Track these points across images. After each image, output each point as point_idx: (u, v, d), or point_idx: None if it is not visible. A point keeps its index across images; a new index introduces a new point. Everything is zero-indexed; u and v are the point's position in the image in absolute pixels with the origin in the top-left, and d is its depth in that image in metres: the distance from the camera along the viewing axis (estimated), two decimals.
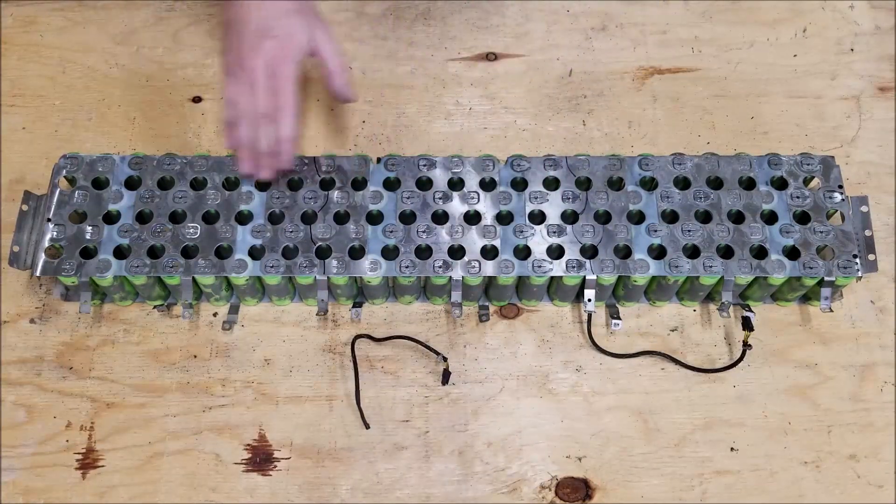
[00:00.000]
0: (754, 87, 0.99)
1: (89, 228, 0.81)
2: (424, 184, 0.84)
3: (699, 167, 0.85)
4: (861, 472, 0.79)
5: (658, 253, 0.81)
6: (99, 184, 0.84)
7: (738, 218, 0.83)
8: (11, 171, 0.92)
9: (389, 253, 0.81)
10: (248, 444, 0.80)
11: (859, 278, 0.81)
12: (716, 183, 0.85)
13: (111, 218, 0.82)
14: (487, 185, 0.85)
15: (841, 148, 0.95)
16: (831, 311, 0.83)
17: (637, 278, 0.80)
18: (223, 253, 0.81)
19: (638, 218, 0.83)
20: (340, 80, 0.82)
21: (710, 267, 0.80)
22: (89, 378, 0.82)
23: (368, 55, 1.01)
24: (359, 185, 0.84)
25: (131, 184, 0.84)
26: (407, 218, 0.83)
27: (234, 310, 0.85)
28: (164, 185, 0.84)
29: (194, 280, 0.81)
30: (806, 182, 0.85)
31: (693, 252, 0.81)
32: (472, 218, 0.83)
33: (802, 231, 0.82)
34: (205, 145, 0.94)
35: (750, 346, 0.82)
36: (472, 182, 0.84)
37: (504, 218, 0.82)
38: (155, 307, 0.85)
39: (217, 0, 0.80)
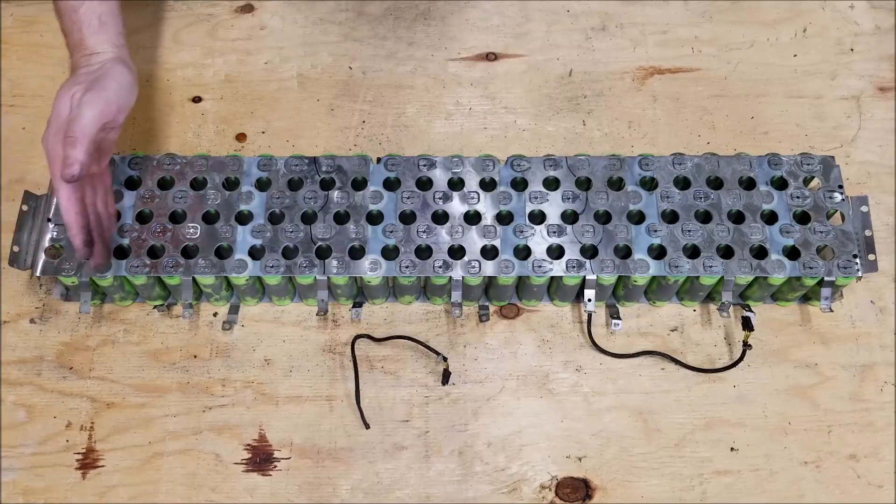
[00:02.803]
0: (754, 87, 0.99)
1: None
2: (424, 184, 0.84)
3: (699, 167, 0.85)
4: (861, 472, 0.79)
5: (658, 253, 0.81)
6: None
7: (738, 218, 0.83)
8: (11, 171, 0.92)
9: (389, 253, 0.81)
10: (248, 444, 0.80)
11: (859, 278, 0.81)
12: (716, 183, 0.85)
13: None
14: (487, 185, 0.85)
15: (841, 148, 0.95)
16: (831, 311, 0.83)
17: (637, 278, 0.80)
18: (223, 253, 0.81)
19: (638, 218, 0.83)
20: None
21: (710, 267, 0.80)
22: (89, 378, 0.82)
23: (368, 55, 1.01)
24: (359, 185, 0.84)
25: (131, 184, 0.84)
26: (407, 218, 0.83)
27: (234, 310, 0.85)
28: (164, 185, 0.84)
29: (194, 280, 0.81)
30: (806, 182, 0.85)
31: (693, 252, 0.81)
32: (472, 218, 0.83)
33: (802, 231, 0.82)
34: (205, 145, 0.94)
35: (750, 346, 0.82)
36: (472, 182, 0.84)
37: (504, 218, 0.82)
38: (155, 307, 0.85)
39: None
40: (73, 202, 0.74)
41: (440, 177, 0.84)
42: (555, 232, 0.82)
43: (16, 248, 0.80)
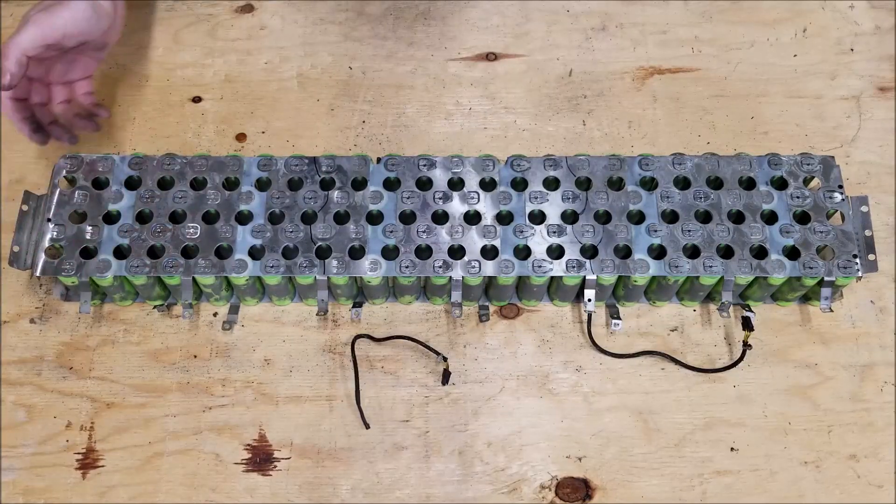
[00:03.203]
0: (754, 87, 0.99)
1: (89, 228, 0.81)
2: (424, 184, 0.84)
3: (699, 167, 0.85)
4: (861, 472, 0.79)
5: (658, 253, 0.81)
6: (99, 184, 0.84)
7: (738, 218, 0.83)
8: (11, 171, 0.92)
9: (389, 253, 0.81)
10: (248, 444, 0.80)
11: (859, 278, 0.81)
12: (716, 183, 0.85)
13: (111, 218, 0.82)
14: (487, 185, 0.85)
15: (841, 148, 0.95)
16: (831, 311, 0.83)
17: (637, 278, 0.80)
18: (223, 253, 0.81)
19: (638, 218, 0.83)
20: None
21: (710, 267, 0.80)
22: (89, 378, 0.82)
23: (368, 55, 1.01)
24: (359, 185, 0.84)
25: (131, 184, 0.84)
26: (407, 218, 0.83)
27: (234, 310, 0.85)
28: (164, 185, 0.84)
29: (194, 280, 0.81)
30: (806, 182, 0.85)
31: (693, 252, 0.81)
32: (472, 218, 0.83)
33: (802, 231, 0.82)
34: (205, 145, 0.94)
35: (750, 346, 0.82)
36: (472, 182, 0.84)
37: (504, 218, 0.82)
38: (155, 307, 0.85)
39: None
40: (9, 104, 0.84)
41: (440, 177, 0.84)
42: (555, 232, 0.82)
43: (16, 248, 0.80)
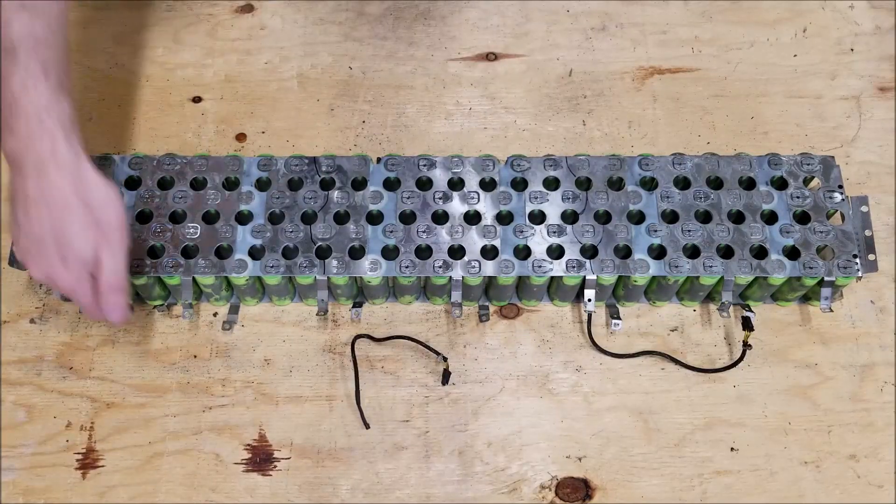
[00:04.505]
0: (754, 87, 0.99)
1: None
2: (424, 184, 0.84)
3: (699, 167, 0.85)
4: (861, 472, 0.79)
5: (658, 253, 0.81)
6: None
7: (738, 218, 0.83)
8: None
9: (389, 253, 0.81)
10: (248, 444, 0.80)
11: (859, 278, 0.81)
12: (716, 183, 0.85)
13: None
14: (487, 185, 0.85)
15: (841, 148, 0.95)
16: (831, 311, 0.83)
17: (637, 278, 0.80)
18: (223, 253, 0.81)
19: (638, 218, 0.83)
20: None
21: (710, 267, 0.80)
22: (89, 378, 0.82)
23: (368, 55, 1.01)
24: (359, 185, 0.84)
25: (131, 184, 0.84)
26: (407, 218, 0.83)
27: (234, 310, 0.85)
28: (164, 185, 0.84)
29: (194, 280, 0.81)
30: (806, 182, 0.85)
31: (693, 252, 0.81)
32: (472, 218, 0.83)
33: (802, 231, 0.82)
34: (205, 145, 0.94)
35: (750, 346, 0.82)
36: (472, 182, 0.84)
37: (504, 218, 0.82)
38: (155, 307, 0.85)
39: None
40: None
41: (440, 177, 0.84)
42: (555, 232, 0.82)
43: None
